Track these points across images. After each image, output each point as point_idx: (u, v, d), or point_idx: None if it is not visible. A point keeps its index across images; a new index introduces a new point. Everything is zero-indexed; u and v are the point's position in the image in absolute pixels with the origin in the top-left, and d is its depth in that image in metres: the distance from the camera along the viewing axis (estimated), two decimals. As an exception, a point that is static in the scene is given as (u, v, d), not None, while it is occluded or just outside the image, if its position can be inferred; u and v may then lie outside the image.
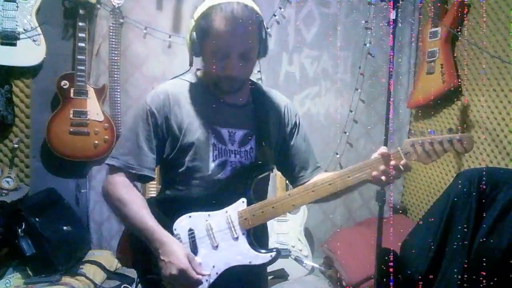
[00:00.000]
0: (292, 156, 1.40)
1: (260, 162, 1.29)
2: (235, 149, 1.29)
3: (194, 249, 1.24)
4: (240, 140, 1.30)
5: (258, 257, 1.22)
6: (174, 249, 1.16)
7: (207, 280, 1.21)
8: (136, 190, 1.27)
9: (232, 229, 1.23)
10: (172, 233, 1.23)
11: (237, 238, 1.23)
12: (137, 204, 1.23)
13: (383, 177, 1.16)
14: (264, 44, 1.26)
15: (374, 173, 1.16)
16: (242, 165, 1.29)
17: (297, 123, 1.42)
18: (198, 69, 1.36)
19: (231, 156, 1.28)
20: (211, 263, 1.22)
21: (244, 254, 1.22)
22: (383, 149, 1.18)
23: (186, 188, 1.28)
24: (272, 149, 1.34)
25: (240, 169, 1.28)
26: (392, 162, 1.15)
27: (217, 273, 1.22)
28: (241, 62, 1.20)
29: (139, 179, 1.29)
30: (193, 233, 1.25)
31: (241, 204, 1.24)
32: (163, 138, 1.28)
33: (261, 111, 1.34)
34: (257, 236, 1.26)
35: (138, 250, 1.29)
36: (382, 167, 1.16)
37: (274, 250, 1.24)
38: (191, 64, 1.32)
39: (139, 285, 1.40)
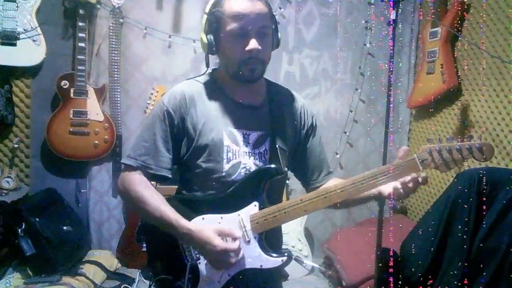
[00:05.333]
0: (306, 159, 1.39)
1: (273, 165, 1.26)
2: (249, 151, 1.28)
3: None
4: (255, 142, 1.29)
5: (269, 261, 1.22)
6: (205, 235, 1.16)
7: (219, 282, 1.21)
8: (153, 187, 1.28)
9: (244, 233, 1.23)
10: None
11: (249, 242, 1.22)
12: (157, 200, 1.24)
13: (398, 186, 1.12)
14: (276, 34, 1.29)
15: (389, 181, 1.12)
16: (256, 167, 1.27)
17: (313, 125, 1.41)
18: (214, 69, 1.37)
19: (244, 158, 1.27)
20: None
21: (255, 257, 1.22)
22: (402, 150, 1.14)
23: (201, 189, 1.28)
24: (287, 151, 1.32)
25: (253, 171, 1.27)
26: (409, 173, 1.10)
27: (229, 275, 1.22)
28: (259, 41, 1.21)
29: (155, 178, 1.29)
30: None
31: (253, 208, 1.23)
32: (179, 138, 1.28)
33: (277, 112, 1.33)
34: (269, 239, 1.26)
35: (155, 250, 1.31)
36: (395, 174, 1.11)
37: (286, 254, 1.23)
38: (207, 65, 1.33)
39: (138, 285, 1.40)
